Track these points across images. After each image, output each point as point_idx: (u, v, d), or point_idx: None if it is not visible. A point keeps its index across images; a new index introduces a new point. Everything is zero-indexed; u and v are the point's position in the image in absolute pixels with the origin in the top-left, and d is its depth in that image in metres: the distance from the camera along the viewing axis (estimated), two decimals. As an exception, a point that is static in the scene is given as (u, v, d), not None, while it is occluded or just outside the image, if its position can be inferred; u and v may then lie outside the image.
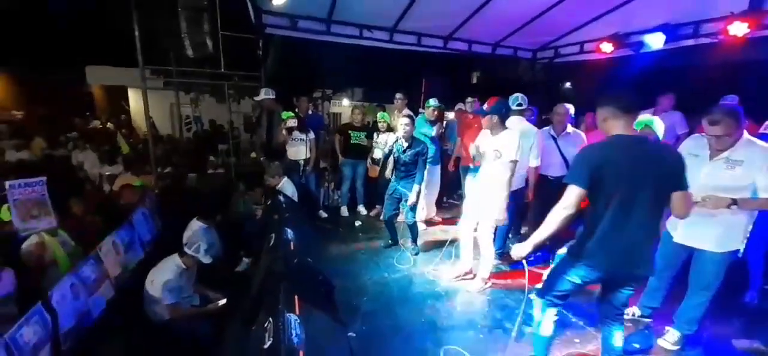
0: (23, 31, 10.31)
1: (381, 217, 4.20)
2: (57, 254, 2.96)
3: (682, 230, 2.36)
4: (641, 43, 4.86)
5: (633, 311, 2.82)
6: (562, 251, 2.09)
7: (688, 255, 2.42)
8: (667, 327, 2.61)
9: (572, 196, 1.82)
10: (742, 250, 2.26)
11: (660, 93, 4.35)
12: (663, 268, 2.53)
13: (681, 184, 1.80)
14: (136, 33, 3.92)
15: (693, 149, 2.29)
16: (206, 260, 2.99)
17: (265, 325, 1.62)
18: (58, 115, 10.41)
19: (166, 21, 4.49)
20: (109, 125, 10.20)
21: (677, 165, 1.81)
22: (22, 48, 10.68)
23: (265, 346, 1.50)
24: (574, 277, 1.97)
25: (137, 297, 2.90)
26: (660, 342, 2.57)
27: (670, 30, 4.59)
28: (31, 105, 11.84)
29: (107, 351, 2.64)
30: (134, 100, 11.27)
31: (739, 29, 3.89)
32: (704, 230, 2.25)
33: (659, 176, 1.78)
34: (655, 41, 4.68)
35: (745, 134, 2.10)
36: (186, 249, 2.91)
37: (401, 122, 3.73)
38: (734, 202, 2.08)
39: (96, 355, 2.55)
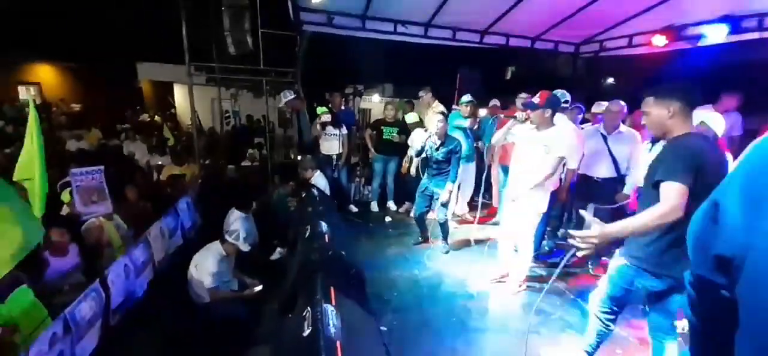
0: (80, 27, 11.21)
1: (411, 214, 4.19)
2: (112, 236, 3.22)
3: None
4: (699, 36, 4.47)
5: (683, 325, 2.63)
6: (621, 262, 1.94)
7: None
8: None
9: (679, 197, 1.55)
10: None
11: (721, 91, 4.00)
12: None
13: None
14: (184, 31, 4.15)
15: None
16: (245, 247, 3.13)
17: (304, 314, 1.67)
18: (112, 108, 11.29)
19: (210, 19, 4.73)
20: (156, 118, 10.89)
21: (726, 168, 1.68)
22: (79, 43, 11.64)
23: (304, 334, 1.55)
24: (637, 285, 1.87)
25: (173, 280, 3.09)
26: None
27: (733, 21, 4.19)
28: (88, 98, 12.91)
29: (150, 328, 2.85)
30: (180, 95, 11.94)
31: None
32: None
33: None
34: (717, 34, 4.29)
35: None
36: (227, 237, 3.06)
37: (434, 119, 3.70)
38: None
39: (139, 332, 2.75)
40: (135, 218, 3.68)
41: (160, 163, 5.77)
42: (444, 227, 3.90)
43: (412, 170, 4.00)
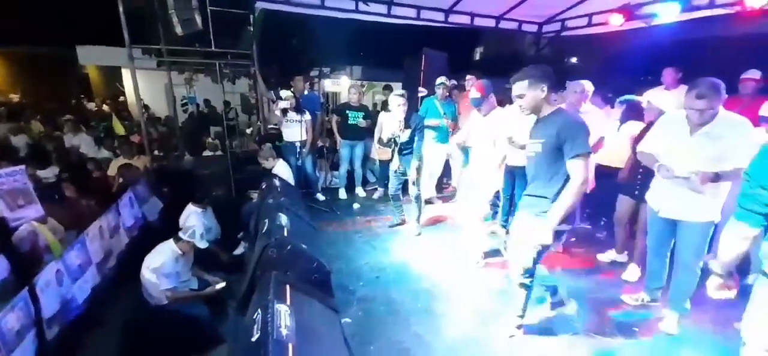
0: (15, 8, 10.00)
1: (390, 192, 4.09)
2: (50, 240, 2.92)
3: (665, 204, 2.39)
4: (653, 15, 4.60)
5: (641, 297, 2.77)
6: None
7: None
8: (663, 309, 2.57)
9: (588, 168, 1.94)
10: (717, 221, 2.24)
11: (673, 68, 4.14)
12: (657, 246, 2.57)
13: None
14: (121, 10, 3.74)
15: (671, 125, 2.31)
16: (202, 244, 2.95)
17: (254, 317, 1.56)
18: (53, 97, 10.27)
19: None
20: (104, 106, 10.05)
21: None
22: (14, 26, 10.41)
23: (253, 339, 1.44)
24: None
25: (122, 284, 2.87)
26: (660, 325, 2.52)
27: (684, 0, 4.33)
28: (27, 87, 11.71)
29: (94, 338, 2.64)
30: (129, 81, 11.09)
31: (756, 1, 3.69)
32: (685, 201, 2.26)
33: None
34: (669, 12, 4.42)
35: (721, 109, 2.10)
36: (181, 235, 2.86)
37: (395, 102, 3.61)
38: (717, 175, 2.08)
39: (82, 343, 2.55)
40: (77, 218, 3.37)
41: (107, 155, 5.32)
42: (417, 203, 3.84)
43: (396, 160, 3.84)
